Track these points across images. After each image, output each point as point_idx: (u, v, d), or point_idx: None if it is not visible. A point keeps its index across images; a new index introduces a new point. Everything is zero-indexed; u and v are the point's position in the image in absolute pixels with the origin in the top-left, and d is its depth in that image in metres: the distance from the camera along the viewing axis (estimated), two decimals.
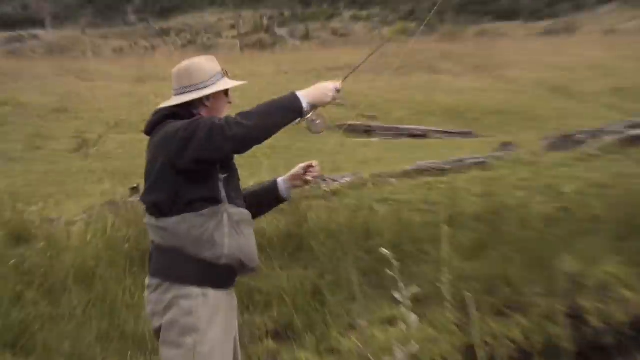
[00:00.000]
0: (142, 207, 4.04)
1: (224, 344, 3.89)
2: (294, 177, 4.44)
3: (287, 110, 3.74)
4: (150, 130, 3.95)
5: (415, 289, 3.15)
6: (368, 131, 19.79)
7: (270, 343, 6.33)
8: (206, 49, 50.23)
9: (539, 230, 7.83)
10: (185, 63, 4.06)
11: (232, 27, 73.28)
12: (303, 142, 17.31)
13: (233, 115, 3.69)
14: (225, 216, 3.85)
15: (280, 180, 4.45)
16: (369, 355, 5.15)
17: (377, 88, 24.74)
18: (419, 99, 23.65)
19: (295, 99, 3.76)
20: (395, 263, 3.14)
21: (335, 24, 76.28)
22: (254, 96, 21.36)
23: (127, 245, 7.45)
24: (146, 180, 3.90)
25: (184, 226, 3.78)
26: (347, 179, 10.25)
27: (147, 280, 3.99)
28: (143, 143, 3.98)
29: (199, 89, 3.97)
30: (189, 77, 4.00)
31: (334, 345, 6.29)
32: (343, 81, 3.94)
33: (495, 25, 62.17)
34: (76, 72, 26.68)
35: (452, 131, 19.52)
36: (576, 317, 6.97)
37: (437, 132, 19.56)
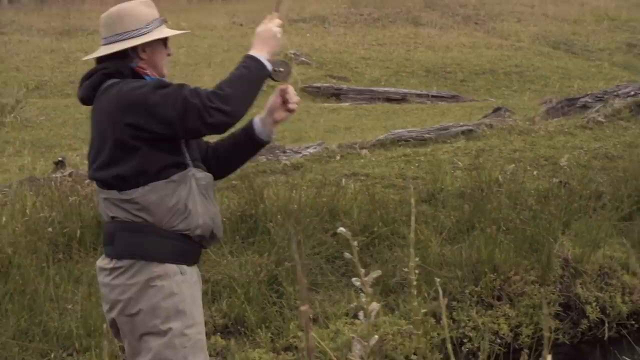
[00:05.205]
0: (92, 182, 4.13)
1: (203, 324, 4.10)
2: (271, 111, 4.31)
3: (259, 80, 3.99)
4: (90, 94, 4.02)
5: (376, 273, 3.27)
6: (337, 94, 19.84)
7: (218, 339, 6.44)
8: None
9: (533, 209, 8.00)
10: (116, 7, 4.10)
11: None
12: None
13: (204, 89, 3.86)
14: (193, 182, 3.98)
15: (256, 118, 4.35)
16: (330, 352, 5.27)
17: (348, 43, 24.76)
18: (398, 57, 23.67)
19: (261, 65, 3.96)
20: (354, 244, 3.25)
21: None
22: (203, 53, 21.41)
23: (50, 229, 7.45)
24: (97, 152, 3.98)
25: (154, 196, 3.90)
26: (311, 150, 10.34)
27: (107, 264, 4.03)
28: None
29: (132, 37, 4.02)
30: (120, 23, 4.04)
31: (292, 341, 6.45)
32: (277, 10, 4.08)
33: None
34: None
35: (436, 94, 19.63)
36: (572, 307, 7.19)
37: (418, 95, 19.66)
